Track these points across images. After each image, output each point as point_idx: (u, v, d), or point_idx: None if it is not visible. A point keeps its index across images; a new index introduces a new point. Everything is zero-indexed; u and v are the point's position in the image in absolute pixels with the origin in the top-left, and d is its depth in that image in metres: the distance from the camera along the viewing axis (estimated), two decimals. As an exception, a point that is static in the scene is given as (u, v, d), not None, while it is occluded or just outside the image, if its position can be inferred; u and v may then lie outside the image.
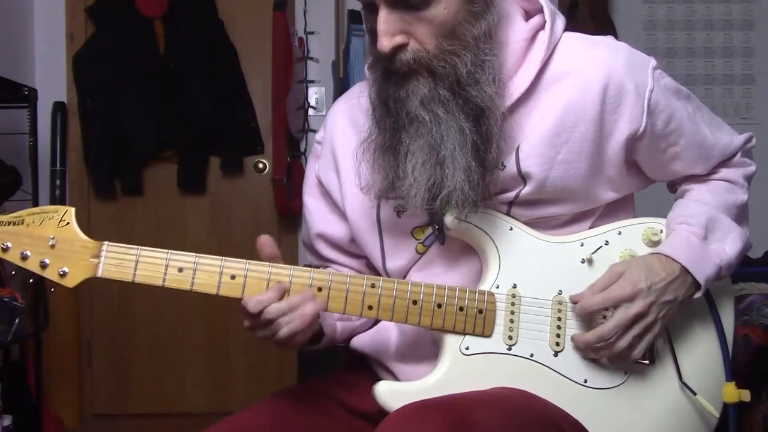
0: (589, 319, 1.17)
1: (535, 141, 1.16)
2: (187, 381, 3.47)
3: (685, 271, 1.16)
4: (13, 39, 3.24)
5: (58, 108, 3.16)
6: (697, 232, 1.20)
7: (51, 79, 3.36)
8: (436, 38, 1.09)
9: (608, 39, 1.23)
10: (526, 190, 1.17)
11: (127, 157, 3.31)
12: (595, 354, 1.17)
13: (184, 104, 3.26)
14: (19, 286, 2.76)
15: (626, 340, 1.14)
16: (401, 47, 1.09)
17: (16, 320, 2.51)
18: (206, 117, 3.29)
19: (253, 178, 3.48)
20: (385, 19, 1.07)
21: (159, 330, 3.47)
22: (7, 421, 2.54)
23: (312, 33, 3.40)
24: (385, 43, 1.08)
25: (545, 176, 1.16)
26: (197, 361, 3.47)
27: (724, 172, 1.30)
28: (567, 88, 1.16)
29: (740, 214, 1.29)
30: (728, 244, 1.22)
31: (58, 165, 3.11)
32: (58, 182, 3.10)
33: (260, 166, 3.47)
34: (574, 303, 1.17)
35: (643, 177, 1.29)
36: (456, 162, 1.08)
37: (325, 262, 1.38)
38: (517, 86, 1.15)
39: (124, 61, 3.26)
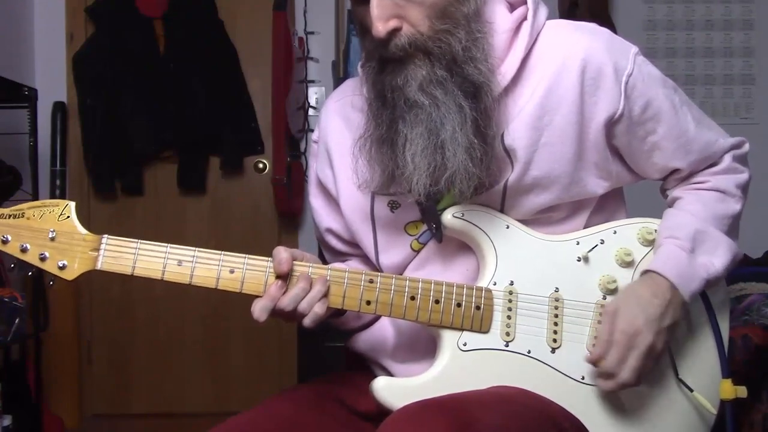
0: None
1: (519, 124, 1.17)
2: (187, 381, 3.47)
3: (673, 288, 1.17)
4: (13, 39, 3.24)
5: (58, 108, 3.16)
6: (684, 246, 1.19)
7: (51, 79, 3.36)
8: (428, 20, 1.10)
9: (590, 24, 1.24)
10: (514, 175, 1.18)
11: (127, 157, 3.32)
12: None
13: (184, 104, 3.27)
14: (19, 286, 2.77)
15: (642, 376, 1.15)
16: (395, 32, 1.10)
17: (16, 320, 2.52)
18: (206, 117, 3.29)
19: (253, 178, 3.48)
20: (378, 4, 1.08)
21: (159, 330, 3.47)
22: (7, 421, 2.54)
23: (312, 33, 3.41)
24: (380, 27, 1.08)
25: (530, 158, 1.17)
26: (197, 361, 3.47)
27: (715, 181, 1.28)
28: (548, 72, 1.17)
29: (733, 225, 1.27)
30: (717, 258, 1.21)
31: (58, 165, 3.12)
32: (58, 182, 3.11)
33: (260, 166, 3.47)
34: (593, 365, 1.16)
35: (629, 168, 1.29)
36: (457, 142, 1.09)
37: (339, 256, 1.39)
38: (504, 75, 1.16)
39: (124, 61, 3.26)
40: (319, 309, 1.11)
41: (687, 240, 1.20)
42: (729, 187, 1.28)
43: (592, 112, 1.19)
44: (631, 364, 1.13)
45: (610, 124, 1.20)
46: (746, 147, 1.33)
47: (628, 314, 1.14)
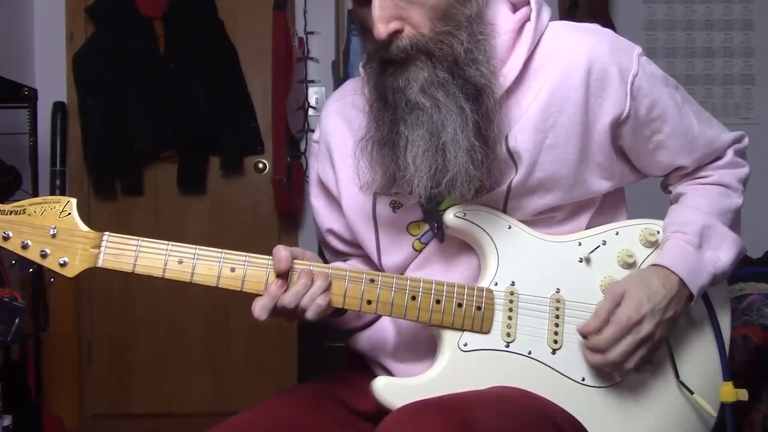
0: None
1: (523, 126, 1.17)
2: (187, 381, 3.47)
3: (682, 283, 1.17)
4: (13, 39, 3.24)
5: (58, 108, 3.16)
6: (692, 240, 1.20)
7: (51, 79, 3.36)
8: (430, 21, 1.10)
9: (593, 25, 1.24)
10: (518, 177, 1.18)
11: (127, 157, 3.32)
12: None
13: (184, 104, 3.26)
14: (19, 286, 2.77)
15: (633, 361, 1.15)
16: (397, 34, 1.10)
17: (16, 320, 2.52)
18: (206, 117, 3.29)
19: (253, 178, 3.48)
20: (379, 5, 1.08)
21: (159, 330, 3.47)
22: (7, 421, 2.54)
23: (312, 33, 3.41)
24: (382, 29, 1.08)
25: (534, 160, 1.17)
26: (198, 361, 3.47)
27: (718, 175, 1.30)
28: (552, 73, 1.17)
29: (735, 219, 1.29)
30: (723, 252, 1.22)
31: (58, 165, 3.12)
32: (58, 182, 3.11)
33: (260, 166, 3.47)
34: (583, 336, 1.17)
35: (633, 167, 1.29)
36: (458, 145, 1.09)
37: (340, 256, 1.39)
38: (506, 76, 1.16)
39: (124, 61, 3.26)
40: (321, 301, 1.10)
41: (694, 235, 1.21)
42: (732, 182, 1.30)
43: (597, 114, 1.19)
44: (624, 347, 1.14)
45: (616, 125, 1.20)
46: (746, 141, 1.35)
47: (636, 299, 1.15)
